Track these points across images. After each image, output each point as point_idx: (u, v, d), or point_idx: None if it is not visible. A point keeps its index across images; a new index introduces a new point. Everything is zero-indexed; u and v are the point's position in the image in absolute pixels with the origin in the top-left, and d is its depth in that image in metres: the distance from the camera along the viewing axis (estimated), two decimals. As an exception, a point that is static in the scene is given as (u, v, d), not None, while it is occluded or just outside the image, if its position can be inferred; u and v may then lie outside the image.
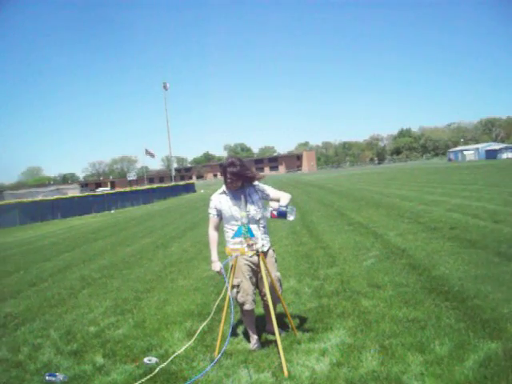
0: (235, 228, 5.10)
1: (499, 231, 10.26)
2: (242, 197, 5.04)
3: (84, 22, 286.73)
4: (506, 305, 5.55)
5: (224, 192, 5.24)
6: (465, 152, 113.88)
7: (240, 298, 5.15)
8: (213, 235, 5.40)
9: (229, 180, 5.11)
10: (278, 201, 5.27)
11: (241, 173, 5.05)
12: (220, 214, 5.25)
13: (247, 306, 5.15)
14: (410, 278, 7.17)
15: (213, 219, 5.31)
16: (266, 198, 5.32)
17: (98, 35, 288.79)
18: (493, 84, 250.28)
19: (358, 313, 5.84)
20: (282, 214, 5.02)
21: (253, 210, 5.13)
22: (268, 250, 5.26)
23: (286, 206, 5.06)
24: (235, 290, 5.17)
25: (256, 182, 5.32)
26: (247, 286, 5.12)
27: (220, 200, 5.22)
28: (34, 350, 5.96)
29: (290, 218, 5.09)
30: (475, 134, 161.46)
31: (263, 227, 5.19)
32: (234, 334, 5.65)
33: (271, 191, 5.37)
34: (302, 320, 5.85)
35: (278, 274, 5.45)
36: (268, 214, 5.06)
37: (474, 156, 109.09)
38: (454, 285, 6.56)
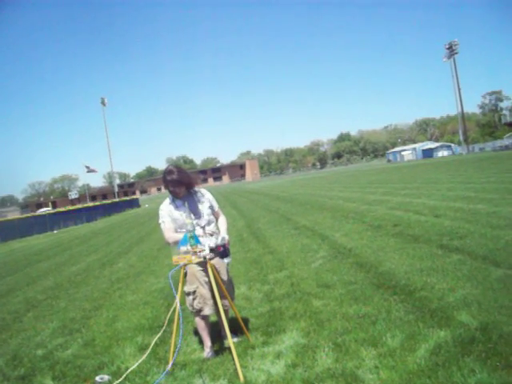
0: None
1: (440, 225, 10.56)
2: (187, 204, 4.99)
3: (19, 32, 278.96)
4: (451, 294, 5.71)
5: (172, 201, 5.18)
6: (403, 152, 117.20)
7: (197, 305, 5.08)
8: (175, 235, 5.14)
9: (170, 188, 5.09)
10: (217, 219, 5.43)
11: (180, 179, 5.04)
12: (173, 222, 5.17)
13: (206, 311, 5.09)
14: (358, 276, 7.27)
15: (168, 225, 5.16)
16: (212, 210, 5.33)
17: (34, 46, 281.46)
18: (425, 86, 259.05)
19: (310, 313, 5.87)
20: (223, 253, 5.04)
21: (200, 217, 5.11)
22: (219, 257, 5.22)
23: (228, 249, 5.09)
24: (191, 297, 5.10)
25: (204, 190, 5.33)
26: (204, 292, 5.06)
27: (170, 209, 5.15)
28: (-23, 379, 5.70)
29: (226, 260, 5.14)
30: (411, 135, 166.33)
31: (211, 234, 5.15)
32: (187, 344, 5.59)
33: (216, 206, 5.45)
34: (255, 324, 5.83)
35: (230, 277, 5.43)
36: (219, 242, 5.02)
37: (411, 156, 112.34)
38: (401, 279, 6.69)
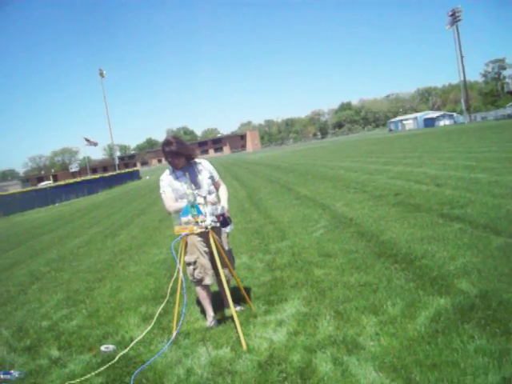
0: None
1: (441, 194, 10.57)
2: (187, 174, 4.99)
3: (17, 6, 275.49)
4: (451, 262, 5.75)
5: (172, 172, 5.18)
6: (404, 122, 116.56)
7: (198, 275, 5.13)
8: (176, 204, 5.12)
9: (169, 159, 5.09)
10: (217, 189, 5.41)
11: (178, 150, 5.03)
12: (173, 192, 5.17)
13: (206, 281, 5.15)
14: (359, 245, 7.31)
15: (169, 195, 5.14)
16: (212, 180, 5.32)
17: (33, 21, 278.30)
18: (427, 54, 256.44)
19: (311, 282, 5.92)
20: (223, 222, 5.02)
21: (200, 187, 5.12)
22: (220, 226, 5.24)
23: (229, 217, 5.08)
24: (192, 267, 5.14)
25: (203, 160, 5.33)
26: (205, 262, 5.11)
27: (170, 179, 5.15)
28: (-16, 350, 5.77)
29: (227, 229, 5.12)
30: (413, 104, 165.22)
31: (212, 204, 5.15)
32: (190, 313, 5.64)
33: (216, 176, 5.44)
34: (257, 294, 5.89)
35: (230, 247, 5.47)
36: (218, 211, 5.02)
37: (413, 125, 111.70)
38: (402, 247, 6.73)
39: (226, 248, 5.34)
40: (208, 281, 5.16)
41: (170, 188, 5.13)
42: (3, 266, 11.69)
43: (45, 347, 5.48)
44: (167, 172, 5.22)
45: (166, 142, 5.07)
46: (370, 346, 4.02)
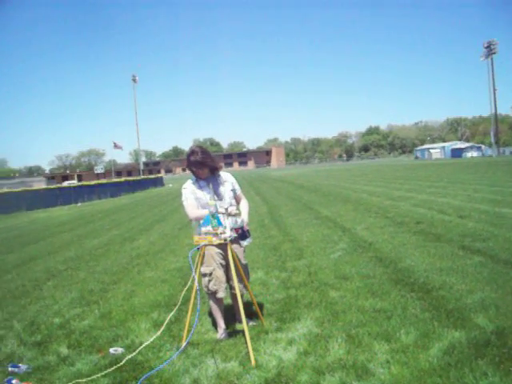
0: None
1: (464, 226, 10.44)
2: (211, 185, 5.01)
3: (52, 11, 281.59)
4: (469, 296, 5.66)
5: (196, 181, 5.21)
6: (431, 150, 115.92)
7: (212, 287, 5.12)
8: (198, 211, 5.13)
9: (193, 169, 5.11)
10: (238, 203, 5.41)
11: (203, 161, 5.05)
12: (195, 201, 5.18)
13: (220, 294, 5.14)
14: (377, 270, 7.25)
15: (191, 202, 5.15)
16: (234, 193, 5.33)
17: (67, 25, 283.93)
18: (459, 84, 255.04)
19: (326, 303, 5.88)
20: (242, 235, 5.04)
21: (222, 198, 5.13)
22: (238, 239, 5.24)
23: (248, 231, 5.08)
24: (207, 279, 5.14)
25: (226, 173, 5.35)
26: (220, 274, 5.11)
27: (193, 188, 5.18)
28: (-4, 341, 5.83)
29: (244, 243, 5.13)
30: (441, 133, 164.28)
31: (233, 216, 5.16)
32: (201, 324, 5.63)
33: (239, 189, 5.46)
34: (270, 310, 5.86)
35: (246, 262, 5.46)
36: (238, 224, 5.04)
37: (440, 154, 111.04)
38: (420, 276, 6.65)
39: (243, 262, 5.33)
40: (221, 294, 5.15)
41: (193, 196, 5.14)
42: (21, 260, 11.81)
43: (55, 344, 5.51)
44: (190, 181, 5.25)
45: (192, 152, 5.10)
46: (380, 373, 3.97)
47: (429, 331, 4.71)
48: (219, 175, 5.30)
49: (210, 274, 5.11)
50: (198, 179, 5.20)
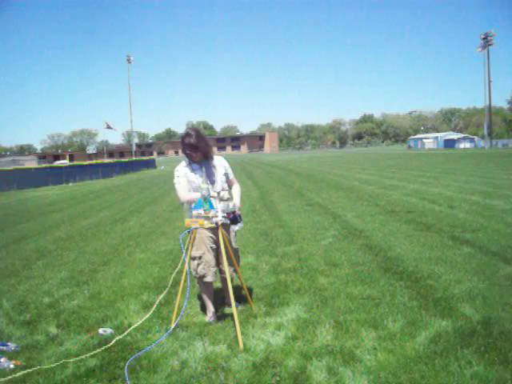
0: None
1: (454, 216, 10.51)
2: (204, 168, 5.01)
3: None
4: (457, 285, 5.72)
5: (189, 164, 5.19)
6: (424, 140, 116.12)
7: (201, 271, 5.12)
8: (190, 194, 5.09)
9: (187, 151, 5.08)
10: (230, 187, 5.39)
11: (197, 144, 5.03)
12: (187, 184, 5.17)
13: (208, 278, 5.13)
14: (367, 258, 7.30)
15: (184, 185, 5.13)
16: (226, 177, 5.32)
17: (61, 3, 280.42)
18: (455, 75, 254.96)
19: (315, 289, 5.92)
20: (233, 220, 5.05)
21: (214, 182, 5.13)
22: (229, 223, 5.24)
23: (240, 216, 5.09)
24: (196, 262, 5.13)
25: (219, 157, 5.34)
26: (209, 258, 5.11)
27: (186, 171, 5.16)
28: (-16, 319, 5.82)
29: (236, 227, 5.15)
30: (435, 123, 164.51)
31: (225, 200, 5.16)
32: (190, 307, 5.64)
33: (231, 173, 5.44)
34: (259, 295, 5.89)
35: (237, 247, 5.47)
36: (230, 209, 5.04)
37: (433, 144, 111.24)
38: (409, 265, 6.71)
39: (234, 246, 5.34)
40: (210, 278, 5.15)
41: (186, 179, 5.13)
42: (11, 239, 11.75)
43: (44, 323, 5.51)
44: (184, 163, 5.23)
45: (186, 134, 5.08)
46: (367, 359, 4.01)
47: (416, 319, 4.76)
48: (212, 159, 5.28)
49: (200, 258, 5.10)
50: (191, 162, 5.18)
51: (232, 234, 5.35)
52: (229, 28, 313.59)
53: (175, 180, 5.21)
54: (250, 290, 5.93)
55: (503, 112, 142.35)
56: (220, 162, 5.32)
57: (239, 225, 5.11)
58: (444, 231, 8.94)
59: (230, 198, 5.28)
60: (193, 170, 5.12)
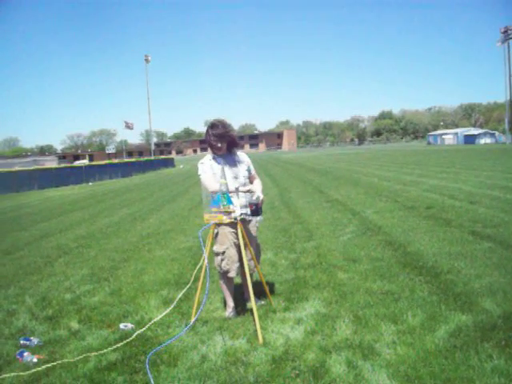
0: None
1: (474, 211, 10.42)
2: (227, 163, 5.02)
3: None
4: (477, 280, 5.67)
5: (213, 158, 5.20)
6: (444, 136, 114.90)
7: (225, 266, 5.13)
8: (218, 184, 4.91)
9: (213, 142, 5.06)
10: (251, 182, 5.37)
11: (223, 134, 5.02)
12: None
13: (232, 274, 5.16)
14: (386, 253, 7.27)
15: (210, 175, 5.06)
16: (249, 172, 5.32)
17: (81, 2, 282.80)
18: (474, 69, 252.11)
19: (334, 285, 5.92)
20: (255, 212, 5.02)
21: (237, 177, 5.13)
22: (251, 219, 5.25)
23: (261, 208, 5.08)
24: (219, 258, 5.15)
25: (243, 153, 5.35)
26: (233, 254, 5.12)
27: (211, 163, 5.16)
28: (8, 315, 5.91)
29: (257, 218, 5.15)
30: (455, 119, 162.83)
31: (246, 195, 5.15)
32: (210, 302, 5.68)
33: (253, 169, 5.45)
34: (278, 290, 5.91)
35: (258, 242, 5.48)
36: (253, 200, 5.03)
37: (452, 140, 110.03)
38: (429, 260, 6.67)
39: (254, 240, 5.36)
40: (233, 273, 5.17)
41: (211, 170, 5.12)
42: (33, 238, 11.92)
43: (66, 319, 5.59)
44: (208, 156, 5.22)
45: (212, 125, 5.05)
46: (386, 353, 4.01)
47: (436, 314, 4.74)
48: (236, 154, 5.28)
49: (223, 253, 5.12)
50: (216, 156, 5.19)
51: (254, 229, 5.36)
52: (247, 25, 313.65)
53: (200, 171, 5.18)
54: (270, 286, 5.94)
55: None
56: (243, 159, 5.32)
57: (260, 217, 5.12)
58: (464, 226, 8.87)
59: (252, 192, 5.25)
60: (216, 163, 5.12)
